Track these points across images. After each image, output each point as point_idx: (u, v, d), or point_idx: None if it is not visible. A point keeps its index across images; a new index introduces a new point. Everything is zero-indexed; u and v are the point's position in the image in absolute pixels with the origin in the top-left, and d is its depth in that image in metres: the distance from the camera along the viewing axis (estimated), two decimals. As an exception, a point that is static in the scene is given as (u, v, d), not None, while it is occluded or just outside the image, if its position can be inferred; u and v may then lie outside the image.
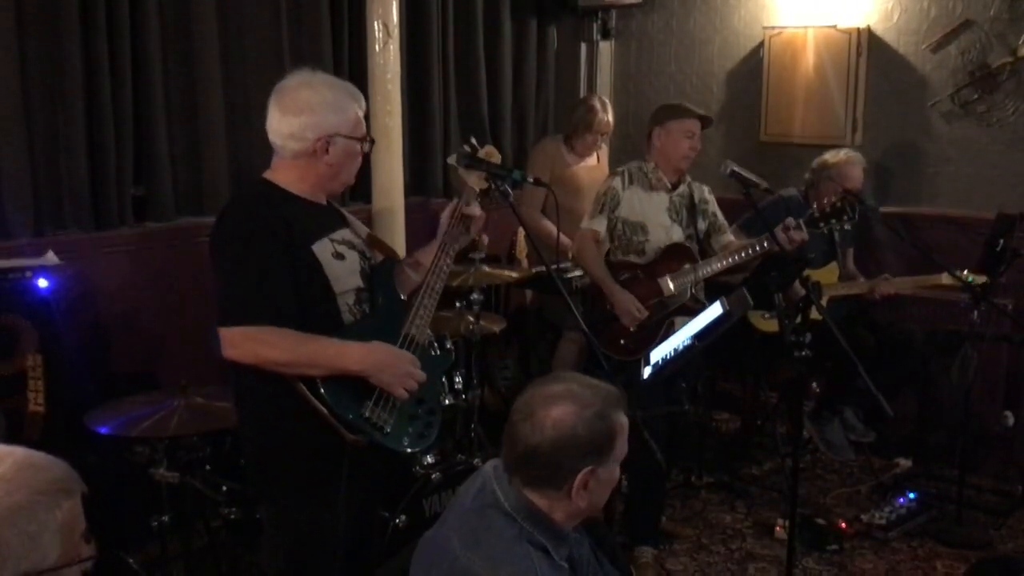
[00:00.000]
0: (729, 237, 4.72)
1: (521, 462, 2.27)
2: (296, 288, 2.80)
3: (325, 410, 2.78)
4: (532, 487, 2.27)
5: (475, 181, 3.20)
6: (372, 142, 3.05)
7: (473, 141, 3.31)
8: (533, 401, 2.29)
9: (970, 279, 4.75)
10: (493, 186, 3.22)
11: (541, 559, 2.23)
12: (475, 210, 3.22)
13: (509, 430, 2.30)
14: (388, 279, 3.12)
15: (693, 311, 4.22)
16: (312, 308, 2.84)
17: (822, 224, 4.36)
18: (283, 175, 2.94)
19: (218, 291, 2.87)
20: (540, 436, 2.23)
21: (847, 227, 4.50)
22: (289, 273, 2.79)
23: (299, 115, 2.86)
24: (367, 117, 3.06)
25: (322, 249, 2.89)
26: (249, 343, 2.76)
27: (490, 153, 3.29)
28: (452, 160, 3.28)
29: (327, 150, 2.89)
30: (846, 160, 5.33)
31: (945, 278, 4.93)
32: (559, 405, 2.25)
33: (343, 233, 3.02)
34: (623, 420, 2.31)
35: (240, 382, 2.97)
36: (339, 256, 2.94)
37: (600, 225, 4.64)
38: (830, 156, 5.38)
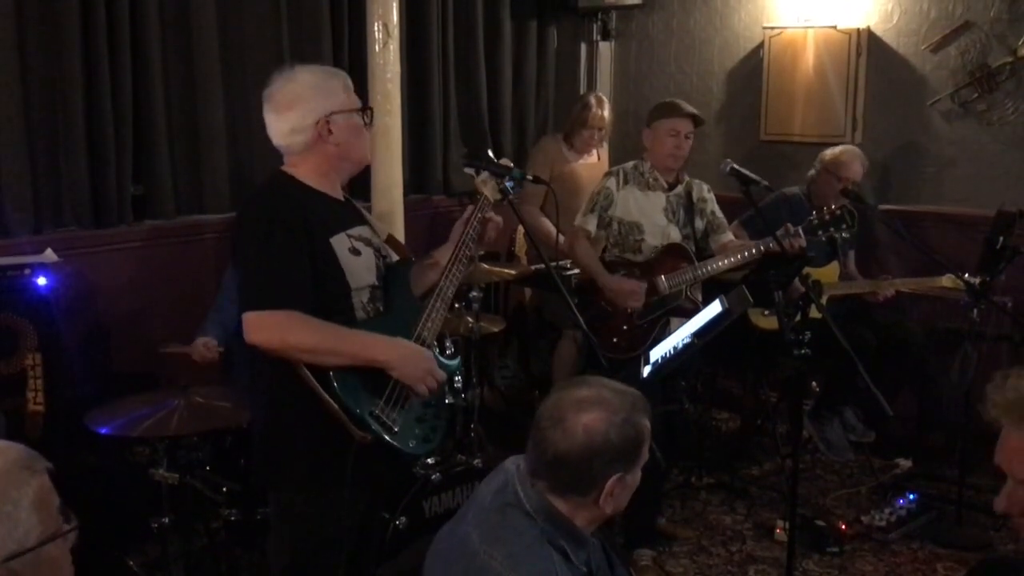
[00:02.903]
0: (728, 236, 4.72)
1: (550, 468, 2.25)
2: (314, 280, 2.82)
3: (336, 405, 2.78)
4: (557, 492, 2.26)
5: (490, 191, 3.24)
6: (371, 111, 3.07)
7: (490, 152, 3.36)
8: (562, 406, 2.27)
9: (973, 281, 4.74)
10: (502, 194, 3.25)
11: (561, 562, 2.23)
12: (493, 215, 3.25)
13: (537, 435, 2.28)
14: (403, 280, 3.13)
15: (688, 313, 4.21)
16: (327, 302, 2.85)
17: (820, 232, 4.36)
18: (299, 169, 2.96)
19: (243, 278, 2.89)
20: (571, 442, 2.21)
21: (846, 235, 4.49)
22: (308, 264, 2.81)
23: (292, 108, 2.89)
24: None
25: (339, 244, 2.91)
26: (276, 327, 2.77)
27: (505, 164, 3.32)
28: (468, 170, 3.34)
29: (330, 130, 2.92)
30: (843, 153, 5.36)
31: (946, 280, 4.94)
32: (590, 411, 2.23)
33: (360, 230, 3.03)
34: (648, 425, 2.31)
35: (252, 371, 2.99)
36: (355, 252, 2.95)
37: (591, 224, 4.66)
38: (829, 151, 5.41)
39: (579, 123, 5.81)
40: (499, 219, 3.28)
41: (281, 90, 2.93)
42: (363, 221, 3.11)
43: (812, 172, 5.46)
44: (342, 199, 3.07)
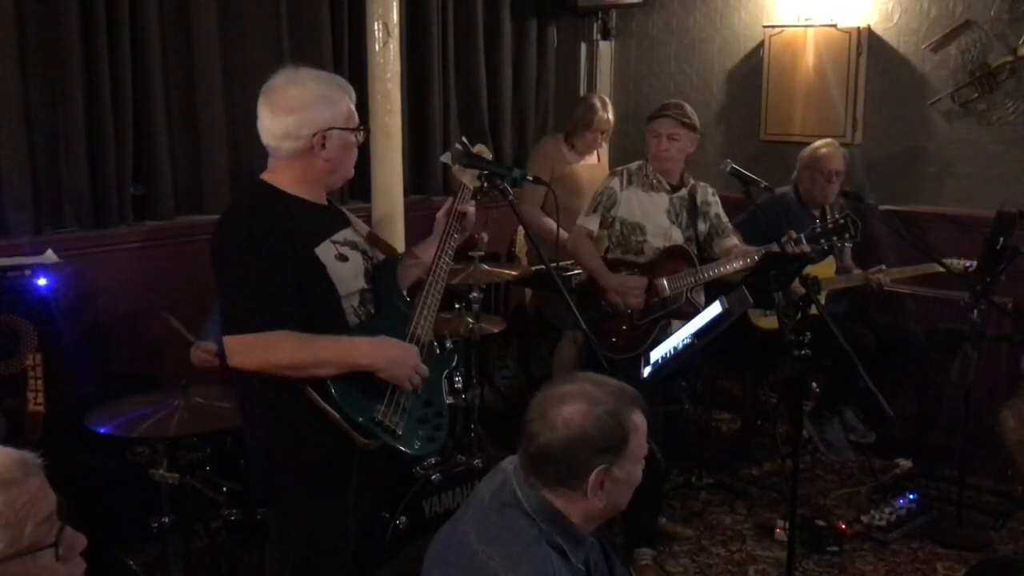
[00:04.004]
0: (732, 241, 4.69)
1: (535, 461, 2.27)
2: (300, 293, 2.78)
3: (337, 414, 2.77)
4: (549, 487, 2.28)
5: (468, 179, 3.22)
6: (367, 132, 3.03)
7: (464, 140, 3.33)
8: (546, 401, 2.30)
9: (963, 265, 4.76)
10: (487, 184, 3.24)
11: (559, 561, 2.23)
12: (469, 207, 3.24)
13: (523, 429, 2.31)
14: (391, 279, 3.11)
15: (689, 316, 4.20)
16: (317, 312, 2.82)
17: (823, 240, 4.36)
18: (281, 176, 2.90)
19: (222, 300, 2.85)
20: (552, 435, 2.24)
21: (848, 244, 4.49)
22: (292, 277, 2.76)
23: (292, 113, 2.83)
24: (365, 114, 3.04)
25: (325, 252, 2.87)
26: (255, 350, 2.74)
27: (480, 151, 3.31)
28: (446, 158, 3.31)
29: (323, 145, 2.86)
30: (820, 147, 5.37)
31: (938, 267, 4.95)
32: (570, 404, 2.26)
33: (345, 234, 3.00)
34: (638, 418, 2.31)
35: (245, 389, 2.95)
36: (342, 258, 2.91)
37: (593, 223, 4.66)
38: (807, 148, 5.43)
39: (583, 125, 5.79)
40: (472, 209, 3.25)
41: (284, 91, 2.86)
42: (346, 223, 3.07)
43: (795, 173, 5.46)
44: (324, 204, 3.02)
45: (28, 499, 1.72)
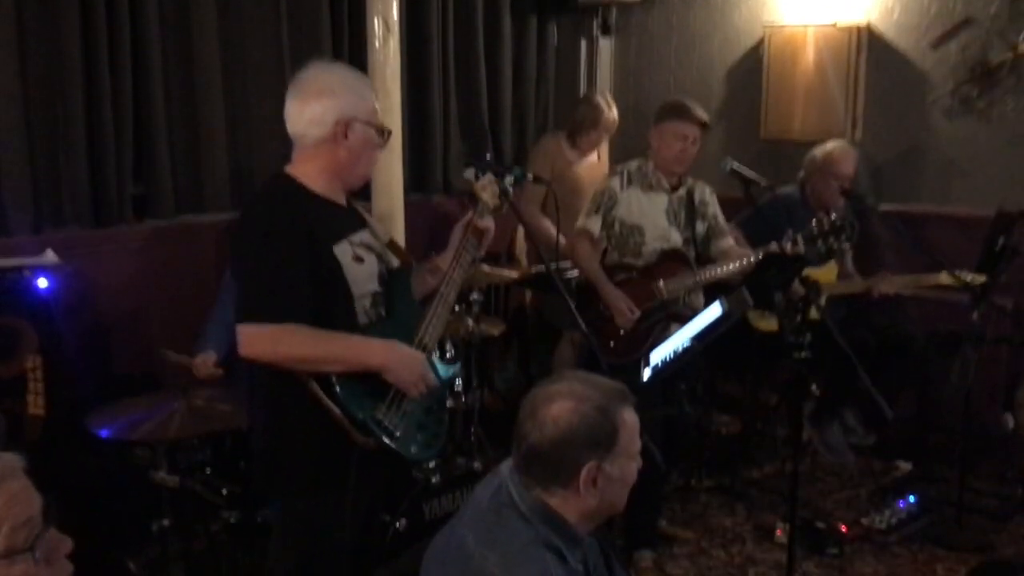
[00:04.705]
0: (729, 242, 4.67)
1: (528, 461, 2.29)
2: (315, 289, 2.81)
3: (338, 410, 2.79)
4: (543, 486, 2.28)
5: (489, 196, 3.21)
6: (389, 133, 3.06)
7: (488, 156, 3.34)
8: (536, 399, 2.32)
9: (968, 278, 4.74)
10: (508, 204, 3.25)
11: (556, 563, 2.24)
12: (488, 223, 3.24)
13: (515, 430, 2.33)
14: (405, 284, 3.12)
15: (686, 319, 4.19)
16: (329, 310, 2.85)
17: (820, 242, 4.34)
18: (303, 168, 2.94)
19: (239, 290, 2.89)
20: (540, 433, 2.25)
21: (846, 245, 4.47)
22: (309, 273, 2.80)
23: (319, 98, 2.88)
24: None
25: (342, 252, 2.90)
26: (268, 341, 2.77)
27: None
28: (468, 175, 3.30)
29: (346, 134, 2.90)
30: (835, 150, 5.31)
31: (944, 277, 4.91)
32: (559, 401, 2.27)
33: (362, 235, 3.02)
34: (628, 415, 2.32)
35: (253, 380, 2.98)
36: (358, 259, 2.94)
37: (594, 225, 4.62)
38: (819, 150, 5.36)
39: (589, 124, 5.76)
40: (491, 226, 3.26)
41: (314, 78, 2.92)
42: (365, 225, 3.09)
43: (802, 173, 5.42)
44: (344, 204, 3.06)
45: (5, 503, 1.70)
